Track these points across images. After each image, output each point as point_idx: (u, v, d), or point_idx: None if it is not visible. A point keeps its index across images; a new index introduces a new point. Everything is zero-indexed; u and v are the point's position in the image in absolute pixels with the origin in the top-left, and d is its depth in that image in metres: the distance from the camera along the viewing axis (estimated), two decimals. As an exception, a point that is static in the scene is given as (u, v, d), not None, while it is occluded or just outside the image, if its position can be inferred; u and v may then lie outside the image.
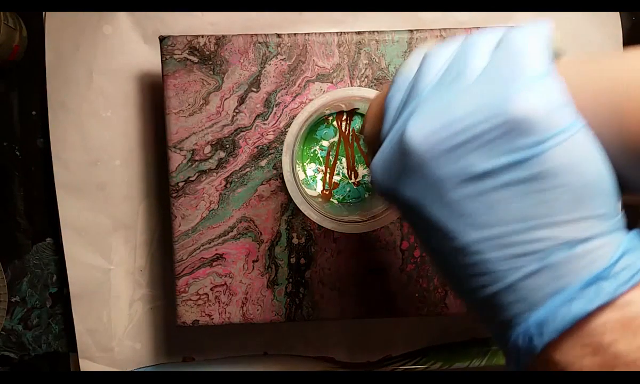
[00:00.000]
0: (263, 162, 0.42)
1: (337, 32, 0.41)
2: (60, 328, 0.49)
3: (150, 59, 0.46)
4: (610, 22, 0.47)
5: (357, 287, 0.43)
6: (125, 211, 0.47)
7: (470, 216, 0.19)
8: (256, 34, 0.41)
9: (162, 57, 0.41)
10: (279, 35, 0.41)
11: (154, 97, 0.47)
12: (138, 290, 0.48)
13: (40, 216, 0.48)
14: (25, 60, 0.47)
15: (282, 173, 0.39)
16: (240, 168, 0.42)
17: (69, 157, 0.46)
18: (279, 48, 0.41)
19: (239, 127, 0.42)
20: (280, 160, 0.40)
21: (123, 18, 0.46)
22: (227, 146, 0.42)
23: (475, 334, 0.50)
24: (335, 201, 0.42)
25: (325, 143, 0.42)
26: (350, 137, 0.42)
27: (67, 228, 0.47)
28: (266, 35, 0.41)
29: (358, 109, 0.41)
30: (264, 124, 0.42)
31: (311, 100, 0.41)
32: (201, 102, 0.41)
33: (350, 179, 0.42)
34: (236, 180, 0.42)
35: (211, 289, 0.42)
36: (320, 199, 0.42)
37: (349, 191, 0.42)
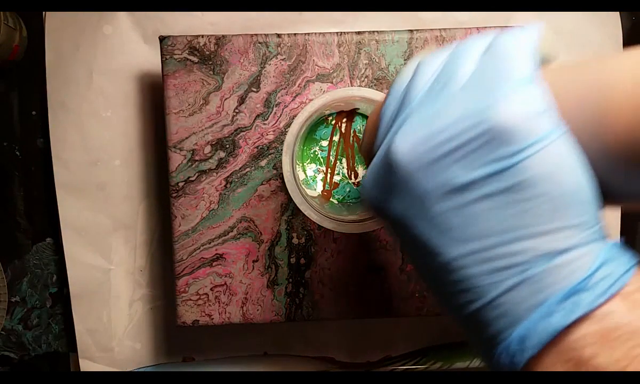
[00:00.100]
0: (263, 162, 0.42)
1: (337, 32, 0.41)
2: (60, 328, 0.49)
3: (150, 59, 0.46)
4: (610, 22, 0.47)
5: (357, 287, 0.43)
6: (125, 211, 0.47)
7: (453, 231, 0.19)
8: (256, 34, 0.41)
9: (162, 57, 0.41)
10: (279, 35, 0.41)
11: (154, 97, 0.47)
12: (138, 290, 0.48)
13: (40, 216, 0.48)
14: (25, 60, 0.47)
15: (282, 173, 0.39)
16: (240, 168, 0.42)
17: (69, 157, 0.46)
18: (279, 48, 0.41)
19: (239, 127, 0.42)
20: (280, 160, 0.40)
21: (123, 18, 0.46)
22: (227, 146, 0.42)
23: (475, 334, 0.50)
24: (335, 201, 0.42)
25: (325, 143, 0.42)
26: (351, 137, 0.42)
27: (67, 228, 0.47)
28: (266, 35, 0.41)
29: (358, 109, 0.41)
30: (264, 124, 0.42)
31: (311, 100, 0.41)
32: (201, 102, 0.41)
33: (351, 179, 0.42)
34: (236, 180, 0.42)
35: (211, 289, 0.42)
36: (320, 199, 0.42)
37: (349, 191, 0.42)
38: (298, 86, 0.42)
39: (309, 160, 0.42)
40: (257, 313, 0.43)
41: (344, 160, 0.42)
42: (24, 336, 0.49)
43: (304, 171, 0.42)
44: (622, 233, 0.48)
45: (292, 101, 0.42)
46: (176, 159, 0.42)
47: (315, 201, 0.39)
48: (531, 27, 0.20)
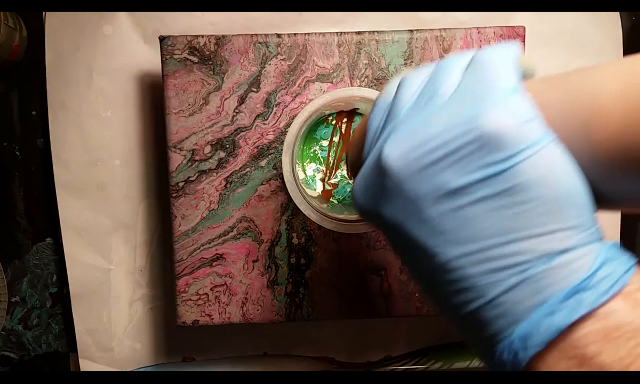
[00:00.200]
0: (263, 162, 0.42)
1: (337, 32, 0.41)
2: (60, 328, 0.49)
3: (150, 59, 0.46)
4: (610, 22, 0.47)
5: (357, 287, 0.43)
6: (125, 211, 0.47)
7: (449, 233, 0.20)
8: (256, 34, 0.41)
9: (162, 57, 0.41)
10: (279, 35, 0.41)
11: (154, 97, 0.47)
12: (138, 290, 0.48)
13: (40, 216, 0.48)
14: (25, 60, 0.47)
15: (282, 173, 0.39)
16: (240, 168, 0.42)
17: (69, 157, 0.46)
18: (279, 48, 0.41)
19: (239, 127, 0.42)
20: (280, 160, 0.40)
21: (123, 18, 0.46)
22: (227, 146, 0.42)
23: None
24: (335, 201, 0.42)
25: (325, 143, 0.42)
26: (351, 137, 0.42)
27: (67, 228, 0.47)
28: (266, 35, 0.41)
29: (358, 109, 0.41)
30: (264, 124, 0.42)
31: (311, 100, 0.41)
32: (201, 102, 0.41)
33: (351, 179, 0.42)
34: (236, 180, 0.42)
35: (211, 289, 0.42)
36: (320, 199, 0.42)
37: (349, 191, 0.42)
38: (298, 86, 0.42)
39: (308, 160, 0.42)
40: (257, 313, 0.43)
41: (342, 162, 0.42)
42: (24, 336, 0.49)
43: (304, 170, 0.42)
44: (621, 234, 0.48)
45: (292, 101, 0.42)
46: (176, 159, 0.42)
47: (315, 201, 0.39)
48: (509, 44, 0.21)
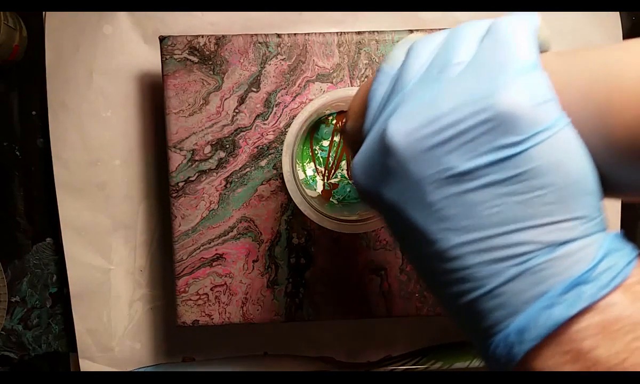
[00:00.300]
0: (263, 162, 0.42)
1: (337, 32, 0.41)
2: (60, 328, 0.49)
3: (150, 59, 0.46)
4: (610, 22, 0.47)
5: (357, 287, 0.43)
6: (125, 211, 0.47)
7: (451, 219, 0.19)
8: (256, 34, 0.41)
9: (162, 57, 0.41)
10: (279, 35, 0.41)
11: (154, 97, 0.47)
12: (138, 290, 0.48)
13: (40, 216, 0.48)
14: (25, 60, 0.47)
15: (282, 173, 0.39)
16: (240, 168, 0.42)
17: (69, 157, 0.46)
18: (279, 48, 0.41)
19: (239, 127, 0.42)
20: (280, 160, 0.40)
21: (123, 18, 0.46)
22: (227, 146, 0.42)
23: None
24: (335, 201, 0.42)
25: (326, 143, 0.42)
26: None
27: (67, 228, 0.47)
28: (266, 35, 0.41)
29: (358, 109, 0.41)
30: (264, 124, 0.42)
31: (311, 100, 0.41)
32: (201, 102, 0.41)
33: (351, 180, 0.42)
34: (236, 180, 0.42)
35: (211, 289, 0.42)
36: (320, 199, 0.42)
37: (349, 191, 0.42)
38: (298, 86, 0.42)
39: (308, 160, 0.42)
40: (257, 313, 0.43)
41: (343, 160, 0.42)
42: (24, 336, 0.49)
43: (304, 170, 0.42)
44: (622, 225, 0.48)
45: (292, 101, 0.42)
46: (176, 159, 0.42)
47: (315, 201, 0.39)
48: (529, 14, 0.20)
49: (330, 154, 0.42)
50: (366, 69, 0.42)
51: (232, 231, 0.42)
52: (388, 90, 0.22)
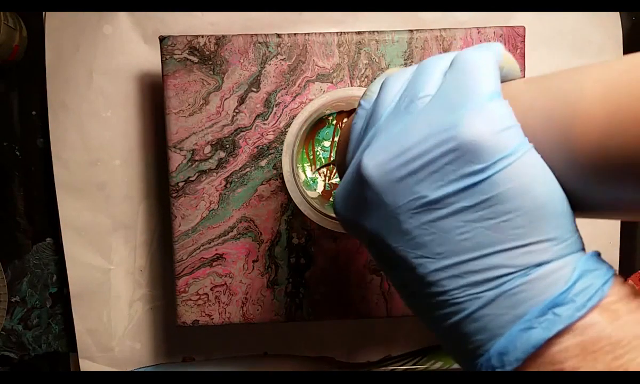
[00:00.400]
0: (263, 162, 0.42)
1: (337, 32, 0.41)
2: (60, 328, 0.49)
3: (150, 59, 0.46)
4: (610, 22, 0.47)
5: (357, 287, 0.43)
6: (125, 211, 0.47)
7: (427, 246, 0.19)
8: (256, 34, 0.41)
9: (162, 57, 0.41)
10: (279, 35, 0.41)
11: (154, 97, 0.47)
12: (138, 290, 0.48)
13: (40, 216, 0.48)
14: (25, 60, 0.47)
15: (282, 173, 0.39)
16: (240, 168, 0.42)
17: (69, 157, 0.46)
18: (279, 48, 0.41)
19: (239, 127, 0.42)
20: (280, 160, 0.40)
21: (123, 18, 0.46)
22: (227, 146, 0.42)
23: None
24: (335, 201, 0.42)
25: (326, 143, 0.42)
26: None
27: (67, 228, 0.47)
28: (266, 35, 0.41)
29: (358, 109, 0.41)
30: (264, 124, 0.42)
31: (311, 100, 0.41)
32: (201, 102, 0.41)
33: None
34: (236, 180, 0.42)
35: (211, 289, 0.42)
36: (320, 199, 0.42)
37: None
38: (298, 86, 0.41)
39: (309, 161, 0.42)
40: (257, 313, 0.43)
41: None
42: (24, 336, 0.49)
43: (304, 171, 0.42)
44: (621, 237, 0.48)
45: (292, 101, 0.42)
46: (176, 159, 0.42)
47: (315, 201, 0.39)
48: (493, 44, 0.21)
49: (332, 154, 0.42)
50: (366, 69, 0.42)
51: (232, 231, 0.42)
52: (365, 123, 0.23)
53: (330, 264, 0.43)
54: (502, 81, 0.21)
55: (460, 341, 0.20)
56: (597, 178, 0.18)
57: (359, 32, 0.41)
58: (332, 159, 0.42)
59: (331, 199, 0.42)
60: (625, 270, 0.49)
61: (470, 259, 0.19)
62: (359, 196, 0.21)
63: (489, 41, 0.42)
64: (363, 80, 0.42)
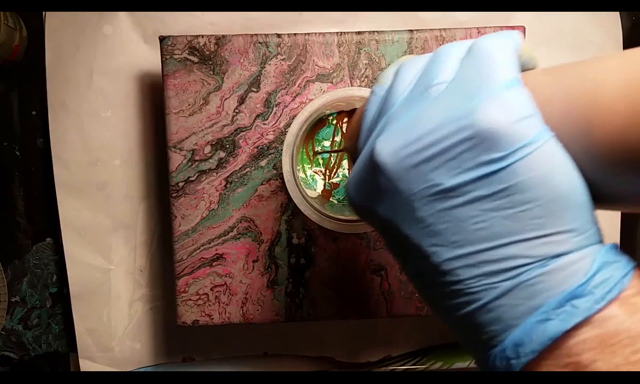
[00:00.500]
0: (263, 162, 0.42)
1: (337, 32, 0.41)
2: (60, 328, 0.49)
3: (150, 59, 0.46)
4: (610, 22, 0.47)
5: (357, 287, 0.43)
6: (125, 211, 0.47)
7: (442, 234, 0.19)
8: (256, 34, 0.41)
9: (162, 57, 0.41)
10: (279, 35, 0.41)
11: (154, 97, 0.47)
12: (138, 290, 0.48)
13: (40, 216, 0.48)
14: (25, 60, 0.47)
15: (282, 173, 0.39)
16: (240, 168, 0.42)
17: (69, 157, 0.46)
18: (279, 48, 0.41)
19: (239, 127, 0.42)
20: (280, 160, 0.40)
21: (123, 18, 0.46)
22: (227, 146, 0.42)
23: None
24: (335, 201, 0.42)
25: (327, 143, 0.42)
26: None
27: (67, 228, 0.47)
28: (266, 35, 0.41)
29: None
30: (264, 124, 0.42)
31: (311, 100, 0.41)
32: (201, 102, 0.41)
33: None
34: (236, 180, 0.42)
35: (211, 289, 0.42)
36: (320, 199, 0.42)
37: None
38: (298, 86, 0.42)
39: (309, 162, 0.42)
40: (257, 313, 0.43)
41: (344, 161, 0.42)
42: (24, 336, 0.49)
43: (304, 170, 0.42)
44: (621, 234, 0.48)
45: (292, 101, 0.42)
46: (176, 159, 0.42)
47: (315, 201, 0.39)
48: (511, 32, 0.20)
49: (332, 154, 0.42)
50: (366, 69, 0.42)
51: (232, 231, 0.42)
52: (378, 110, 0.23)
53: (330, 264, 0.43)
54: (521, 71, 0.20)
55: (473, 331, 0.19)
56: (617, 170, 0.18)
57: (359, 32, 0.41)
58: (332, 156, 0.42)
59: (331, 199, 0.42)
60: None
61: (487, 248, 0.18)
62: (372, 183, 0.21)
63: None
64: (363, 80, 0.42)
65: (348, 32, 0.41)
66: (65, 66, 0.46)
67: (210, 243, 0.42)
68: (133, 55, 0.46)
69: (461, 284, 0.19)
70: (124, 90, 0.46)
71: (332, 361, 0.50)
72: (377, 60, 0.42)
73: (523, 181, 0.18)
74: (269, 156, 0.42)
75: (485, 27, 0.42)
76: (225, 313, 0.43)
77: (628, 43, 0.47)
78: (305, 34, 0.41)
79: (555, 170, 0.18)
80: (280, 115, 0.42)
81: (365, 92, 0.37)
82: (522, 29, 0.42)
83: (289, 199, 0.42)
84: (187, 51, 0.41)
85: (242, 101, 0.41)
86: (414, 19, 0.46)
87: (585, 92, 0.18)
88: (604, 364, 0.17)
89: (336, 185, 0.42)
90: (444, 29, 0.41)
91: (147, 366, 0.49)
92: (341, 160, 0.42)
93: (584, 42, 0.47)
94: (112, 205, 0.47)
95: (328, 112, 0.41)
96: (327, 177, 0.42)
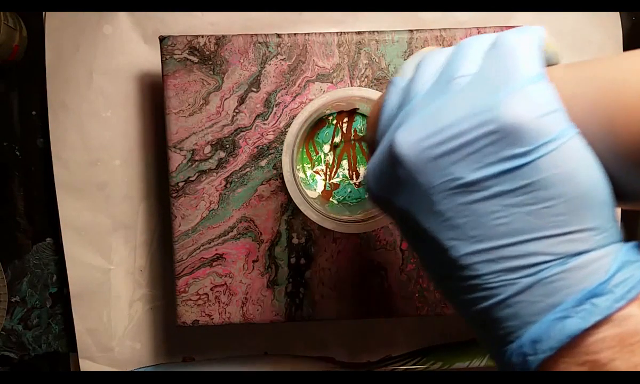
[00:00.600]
0: (263, 162, 0.42)
1: (337, 32, 0.41)
2: (60, 328, 0.49)
3: (150, 59, 0.46)
4: (610, 22, 0.47)
5: (357, 287, 0.43)
6: (125, 211, 0.47)
7: (461, 228, 0.19)
8: (256, 34, 0.41)
9: (162, 57, 0.41)
10: (279, 35, 0.41)
11: (154, 97, 0.47)
12: (138, 290, 0.48)
13: (40, 216, 0.48)
14: (25, 60, 0.47)
15: (282, 173, 0.39)
16: (240, 168, 0.42)
17: (69, 157, 0.46)
18: (279, 48, 0.41)
19: (239, 127, 0.42)
20: (280, 160, 0.40)
21: (123, 18, 0.46)
22: (227, 146, 0.42)
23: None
24: (335, 201, 0.42)
25: (326, 143, 0.42)
26: (352, 137, 0.42)
27: (67, 228, 0.47)
28: (266, 35, 0.41)
29: (358, 109, 0.41)
30: (264, 124, 0.42)
31: (311, 100, 0.41)
32: (201, 102, 0.41)
33: (352, 179, 0.42)
34: (236, 180, 0.42)
35: (211, 289, 0.42)
36: (320, 199, 0.42)
37: (350, 191, 0.42)
38: (298, 86, 0.42)
39: (309, 162, 0.42)
40: (257, 313, 0.43)
41: (344, 161, 0.42)
42: (24, 336, 0.49)
43: (304, 170, 0.42)
44: (622, 228, 0.48)
45: (292, 100, 0.42)
46: (176, 159, 0.42)
47: (316, 201, 0.39)
48: (535, 27, 0.20)
49: (332, 154, 0.42)
50: (366, 69, 0.42)
51: (232, 231, 0.42)
52: (399, 101, 0.22)
53: (330, 264, 0.43)
54: (547, 64, 0.20)
55: (490, 327, 0.19)
56: (639, 169, 0.18)
57: (359, 32, 0.41)
58: (334, 156, 0.42)
59: (331, 199, 0.42)
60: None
61: (507, 244, 0.18)
62: (391, 174, 0.21)
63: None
64: (363, 80, 0.42)
65: (348, 32, 0.41)
66: (65, 66, 0.46)
67: (210, 243, 0.42)
68: (133, 55, 0.46)
69: (479, 279, 0.19)
70: (124, 90, 0.46)
71: (332, 361, 0.50)
72: (377, 60, 0.42)
73: (547, 178, 0.17)
74: (269, 156, 0.42)
75: (485, 27, 0.42)
76: (225, 313, 0.43)
77: (628, 43, 0.47)
78: (305, 34, 0.41)
79: (579, 167, 0.18)
80: (280, 115, 0.42)
81: (365, 92, 0.37)
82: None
83: (289, 199, 0.42)
84: (187, 51, 0.41)
85: (242, 101, 0.41)
86: (414, 19, 0.46)
87: (609, 91, 0.18)
88: (622, 363, 0.17)
89: (336, 185, 0.42)
90: (444, 29, 0.41)
91: (147, 366, 0.49)
92: (341, 160, 0.42)
93: (584, 42, 0.47)
94: (112, 205, 0.47)
95: (328, 112, 0.41)
96: (327, 177, 0.42)
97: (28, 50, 0.47)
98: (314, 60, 0.41)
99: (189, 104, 0.41)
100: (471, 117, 0.18)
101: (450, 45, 0.41)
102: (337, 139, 0.42)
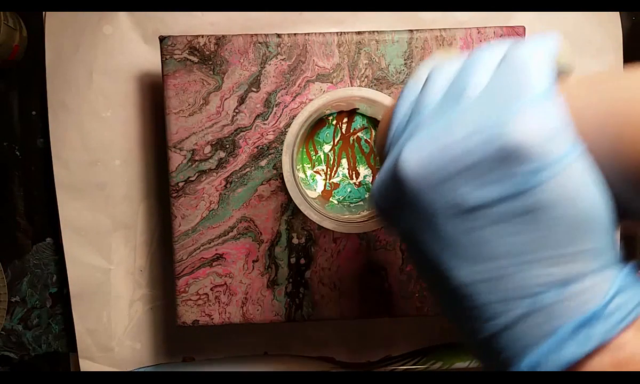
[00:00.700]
0: (263, 162, 0.42)
1: (337, 32, 0.41)
2: (60, 328, 0.49)
3: (150, 59, 0.46)
4: (610, 22, 0.47)
5: (357, 287, 0.43)
6: (125, 211, 0.47)
7: (463, 253, 0.19)
8: (256, 34, 0.41)
9: (162, 57, 0.41)
10: (279, 35, 0.41)
11: (154, 97, 0.47)
12: (138, 290, 0.48)
13: (40, 216, 0.48)
14: (25, 60, 0.47)
15: (282, 173, 0.39)
16: (240, 168, 0.42)
17: (69, 157, 0.46)
18: (279, 48, 0.41)
19: (239, 127, 0.42)
20: (280, 160, 0.40)
21: (123, 18, 0.46)
22: (227, 146, 0.42)
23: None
24: (335, 201, 0.42)
25: (326, 143, 0.42)
26: (351, 137, 0.42)
27: (67, 228, 0.47)
28: (266, 35, 0.41)
29: (358, 109, 0.41)
30: (264, 124, 0.42)
31: (311, 100, 0.41)
32: (201, 102, 0.41)
33: (352, 179, 0.42)
34: (236, 180, 0.42)
35: (211, 289, 0.42)
36: (320, 199, 0.42)
37: (350, 191, 0.42)
38: (298, 86, 0.42)
39: (309, 162, 0.42)
40: (257, 313, 0.43)
41: (344, 160, 0.42)
42: (24, 336, 0.49)
43: (304, 170, 0.42)
44: (621, 237, 0.48)
45: (292, 100, 0.42)
46: (176, 159, 0.42)
47: (316, 201, 0.39)
48: (549, 37, 0.19)
49: (332, 154, 0.42)
50: (366, 69, 0.42)
51: (232, 231, 0.42)
52: (408, 112, 0.22)
53: (330, 264, 0.43)
54: (560, 75, 0.20)
55: (489, 354, 0.19)
56: None
57: (359, 32, 0.41)
58: (334, 155, 0.42)
59: (331, 199, 0.42)
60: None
61: (507, 270, 0.18)
62: (396, 191, 0.20)
63: (489, 41, 0.42)
64: (363, 81, 0.42)
65: (348, 32, 0.41)
66: (65, 66, 0.46)
67: (210, 243, 0.42)
68: (133, 55, 0.46)
69: (480, 305, 0.19)
70: (124, 90, 0.46)
71: (332, 361, 0.50)
72: (377, 60, 0.42)
73: (549, 199, 0.17)
74: (269, 156, 0.42)
75: (485, 27, 0.42)
76: (225, 313, 0.43)
77: (628, 43, 0.47)
78: (305, 34, 0.41)
79: (582, 189, 0.17)
80: (280, 115, 0.42)
81: (365, 92, 0.37)
82: (522, 29, 0.42)
83: (289, 199, 0.42)
84: (187, 51, 0.41)
85: (242, 101, 0.41)
86: (414, 19, 0.46)
87: (618, 109, 0.18)
88: None
89: (336, 185, 0.42)
90: (444, 29, 0.41)
91: (147, 366, 0.49)
92: (340, 159, 0.42)
93: (584, 42, 0.47)
94: (112, 205, 0.47)
95: (328, 112, 0.41)
96: (327, 177, 0.42)
97: (28, 50, 0.47)
98: (314, 60, 0.41)
99: (189, 104, 0.41)
100: (476, 135, 0.18)
101: (450, 45, 0.41)
102: (336, 139, 0.42)
